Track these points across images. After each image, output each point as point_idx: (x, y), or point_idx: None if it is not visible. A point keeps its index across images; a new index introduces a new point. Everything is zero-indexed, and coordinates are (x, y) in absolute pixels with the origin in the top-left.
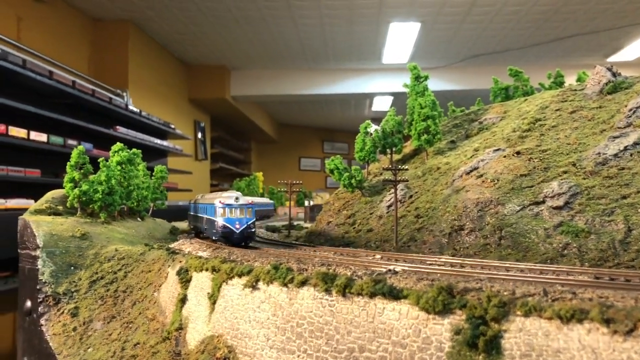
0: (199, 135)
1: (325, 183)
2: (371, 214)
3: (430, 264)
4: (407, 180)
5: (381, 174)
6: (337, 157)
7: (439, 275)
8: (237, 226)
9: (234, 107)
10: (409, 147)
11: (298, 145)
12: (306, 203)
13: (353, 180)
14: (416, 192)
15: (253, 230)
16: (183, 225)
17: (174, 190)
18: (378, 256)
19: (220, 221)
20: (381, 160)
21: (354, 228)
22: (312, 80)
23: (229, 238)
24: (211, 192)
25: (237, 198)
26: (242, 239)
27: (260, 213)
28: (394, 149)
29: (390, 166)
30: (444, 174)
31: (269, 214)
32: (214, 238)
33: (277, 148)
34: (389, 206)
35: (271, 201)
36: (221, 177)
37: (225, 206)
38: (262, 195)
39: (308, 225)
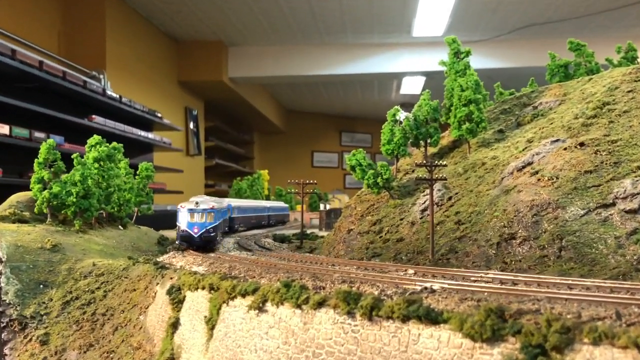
0: (191, 125)
1: (344, 183)
2: (401, 219)
3: (475, 281)
4: (445, 179)
5: (413, 171)
6: (359, 151)
7: (486, 294)
8: (196, 230)
9: (233, 91)
10: (447, 138)
11: (310, 137)
12: (321, 207)
13: (379, 179)
14: (456, 193)
15: (213, 234)
16: (173, 234)
17: (162, 192)
18: (411, 271)
19: (181, 225)
20: (413, 155)
21: (380, 237)
22: (327, 58)
23: (189, 242)
24: (206, 194)
25: (197, 203)
26: (201, 243)
27: (275, 218)
28: (428, 141)
29: (424, 161)
30: (491, 171)
31: (283, 219)
32: (177, 242)
33: (285, 140)
34: (423, 210)
35: (285, 205)
36: (218, 176)
37: (186, 211)
38: (267, 198)
39: (324, 233)
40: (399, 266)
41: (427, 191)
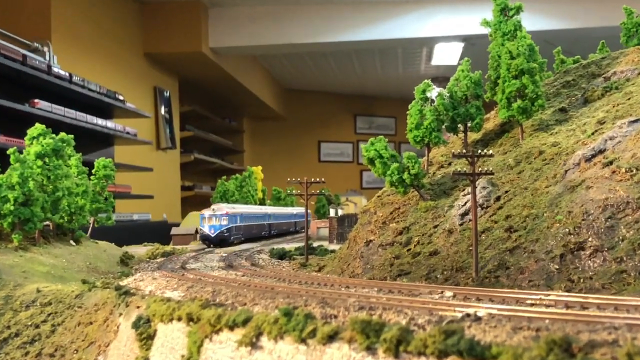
0: (163, 110)
1: (361, 181)
2: (435, 227)
3: (532, 305)
4: (491, 173)
5: (450, 163)
6: (379, 139)
7: (547, 322)
8: (212, 232)
9: (216, 65)
10: (494, 120)
11: (317, 123)
12: (331, 212)
13: (405, 175)
14: (507, 192)
15: (227, 235)
16: (142, 250)
17: (127, 197)
18: (448, 293)
19: (202, 228)
20: (450, 143)
21: (408, 250)
22: (337, 21)
23: (207, 240)
24: (183, 198)
25: (214, 209)
26: (217, 241)
27: (279, 227)
28: (469, 124)
29: (464, 151)
30: (550, 162)
31: (289, 227)
32: (199, 240)
33: (284, 129)
34: (463, 214)
35: (295, 211)
36: (198, 175)
37: (204, 216)
38: (262, 202)
39: (335, 246)
40: (432, 287)
41: (469, 189)
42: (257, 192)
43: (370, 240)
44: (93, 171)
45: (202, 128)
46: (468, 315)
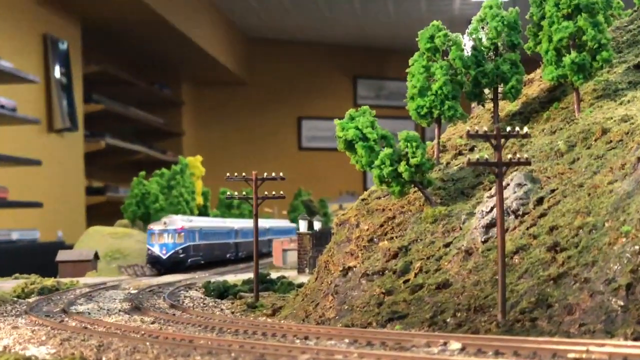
0: (57, 72)
1: (365, 179)
2: (447, 246)
3: None
4: (528, 162)
5: (472, 148)
6: (362, 111)
7: None
8: (163, 252)
9: (138, 0)
10: (537, 83)
11: (296, 89)
12: (301, 226)
13: (403, 167)
14: (553, 192)
15: (182, 256)
16: (8, 286)
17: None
18: (455, 345)
19: (149, 247)
20: (472, 116)
21: (406, 282)
22: None
23: (157, 264)
24: (89, 205)
25: (165, 222)
26: (170, 265)
27: (248, 248)
28: (500, 89)
29: (490, 130)
30: (618, 146)
31: (261, 248)
32: (147, 266)
33: (244, 99)
34: (488, 226)
35: (269, 225)
36: (113, 171)
37: (153, 232)
38: (203, 211)
39: (307, 278)
40: (433, 337)
41: (494, 188)
42: (194, 196)
43: (350, 268)
44: None
45: (118, 99)
46: None
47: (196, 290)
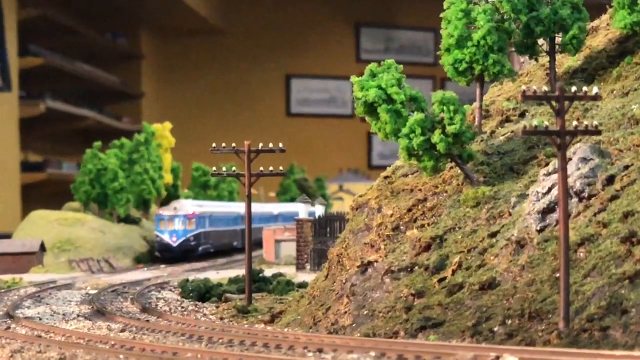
0: None
1: (369, 154)
2: (493, 236)
3: None
4: (598, 132)
5: (522, 114)
6: (387, 65)
7: None
8: (174, 239)
9: None
10: (604, 32)
11: (283, 40)
12: (301, 210)
13: (437, 136)
14: (627, 168)
15: (193, 244)
16: None
17: None
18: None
19: (158, 234)
20: (523, 72)
21: (441, 281)
22: None
23: (167, 252)
24: (24, 184)
25: (175, 208)
26: (180, 253)
27: (218, 240)
28: (557, 40)
29: (550, 90)
30: None
31: (232, 240)
32: (156, 254)
33: (219, 52)
34: (545, 211)
35: (277, 210)
36: (55, 141)
37: (163, 218)
38: (173, 193)
39: (308, 276)
40: (481, 349)
41: (554, 164)
42: (161, 173)
43: (369, 263)
44: None
45: (61, 51)
46: None
47: (170, 290)
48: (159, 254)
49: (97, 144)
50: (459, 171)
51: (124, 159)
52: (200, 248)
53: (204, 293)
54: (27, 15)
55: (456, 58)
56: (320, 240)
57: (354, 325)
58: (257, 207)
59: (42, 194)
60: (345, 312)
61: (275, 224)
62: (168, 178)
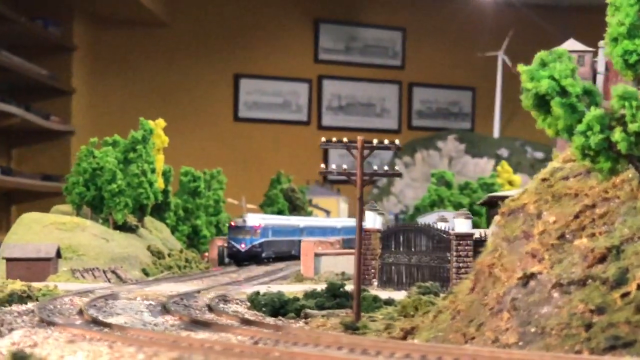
0: None
1: (326, 164)
2: None
3: None
4: None
5: None
6: (559, 54)
7: None
8: (242, 246)
9: None
10: None
11: (232, 35)
12: (371, 219)
13: (618, 135)
14: None
15: (259, 250)
16: None
17: None
18: None
19: (230, 242)
20: None
21: (624, 296)
22: None
23: (236, 257)
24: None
25: (244, 220)
26: (247, 258)
27: (278, 248)
28: None
29: None
30: None
31: (290, 248)
32: (226, 259)
33: (161, 47)
34: None
35: (341, 224)
36: None
37: (234, 228)
38: (163, 200)
39: (378, 293)
40: None
41: None
42: (156, 177)
43: (532, 275)
44: None
45: None
46: None
47: (237, 303)
48: (229, 258)
49: (94, 140)
50: (631, 175)
51: (119, 158)
52: (264, 254)
53: (278, 308)
54: None
55: (626, 49)
56: (388, 253)
57: (520, 343)
58: (318, 221)
59: None
60: (507, 329)
61: (340, 236)
62: (159, 184)
